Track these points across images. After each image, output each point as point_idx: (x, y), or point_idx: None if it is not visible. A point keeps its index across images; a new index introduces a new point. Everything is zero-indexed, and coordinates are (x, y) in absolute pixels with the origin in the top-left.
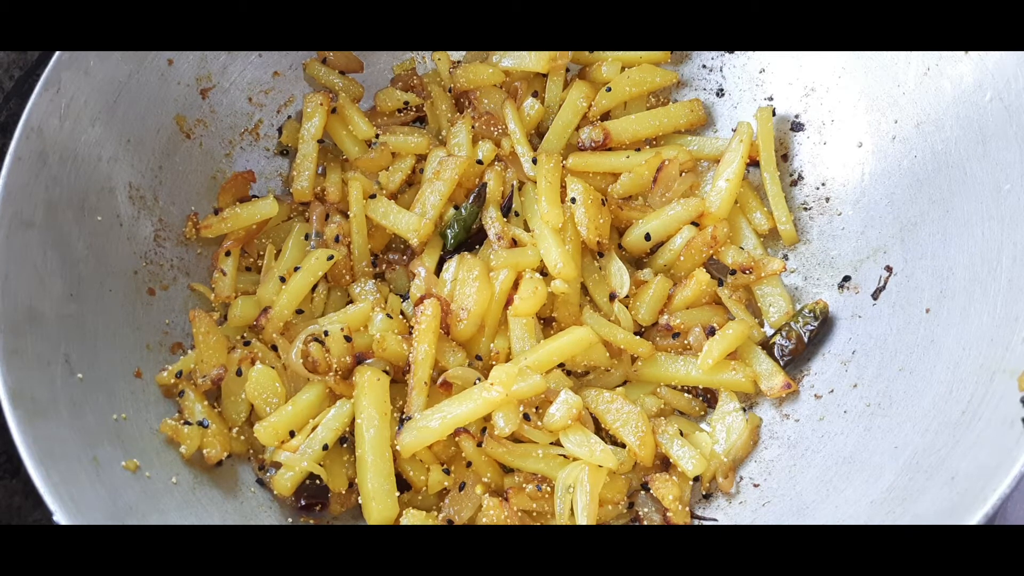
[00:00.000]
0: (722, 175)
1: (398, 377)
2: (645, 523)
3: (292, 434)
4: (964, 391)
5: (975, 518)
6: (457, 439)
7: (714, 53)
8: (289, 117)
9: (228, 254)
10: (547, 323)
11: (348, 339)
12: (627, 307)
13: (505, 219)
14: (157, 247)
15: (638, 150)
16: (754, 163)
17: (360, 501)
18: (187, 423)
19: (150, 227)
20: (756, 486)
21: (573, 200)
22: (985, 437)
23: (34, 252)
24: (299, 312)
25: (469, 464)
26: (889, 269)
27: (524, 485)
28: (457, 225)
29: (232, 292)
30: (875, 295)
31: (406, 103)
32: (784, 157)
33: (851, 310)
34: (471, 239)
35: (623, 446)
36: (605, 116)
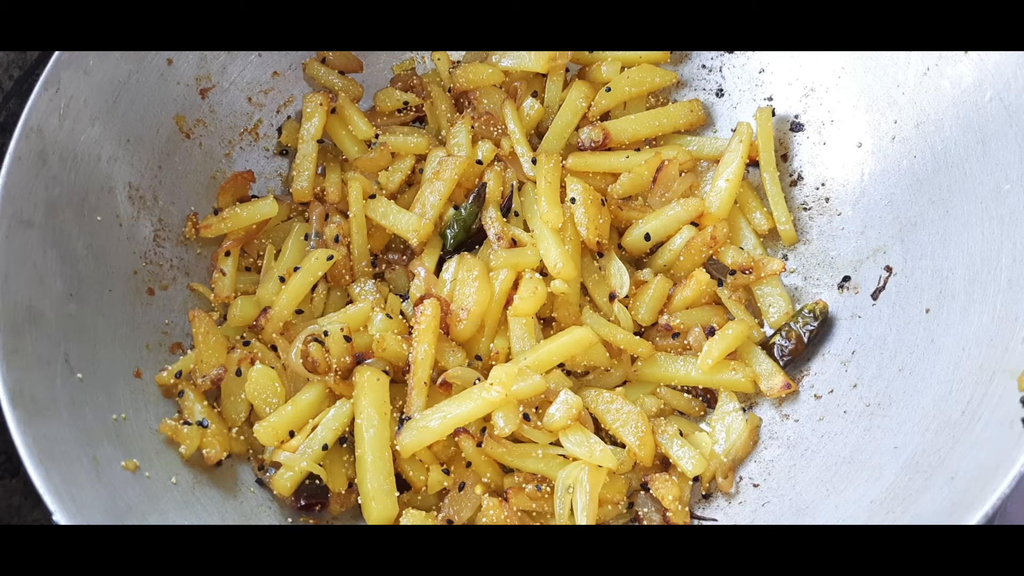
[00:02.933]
0: (722, 175)
1: (398, 377)
2: (645, 523)
3: (292, 434)
4: (964, 391)
5: (975, 518)
6: (457, 439)
7: (714, 53)
8: (289, 117)
9: (228, 254)
10: (547, 323)
11: (348, 339)
12: (627, 307)
13: (505, 219)
14: (157, 247)
15: (638, 150)
16: (754, 163)
17: (360, 501)
18: (187, 423)
19: (150, 227)
20: (756, 486)
21: (573, 200)
22: (985, 437)
23: (34, 252)
24: (299, 312)
25: (469, 464)
26: (889, 269)
27: (524, 485)
28: (457, 225)
29: (232, 292)
30: (875, 295)
31: (406, 103)
32: (784, 157)
33: (851, 310)
34: (471, 239)
35: (623, 446)
36: (605, 116)
